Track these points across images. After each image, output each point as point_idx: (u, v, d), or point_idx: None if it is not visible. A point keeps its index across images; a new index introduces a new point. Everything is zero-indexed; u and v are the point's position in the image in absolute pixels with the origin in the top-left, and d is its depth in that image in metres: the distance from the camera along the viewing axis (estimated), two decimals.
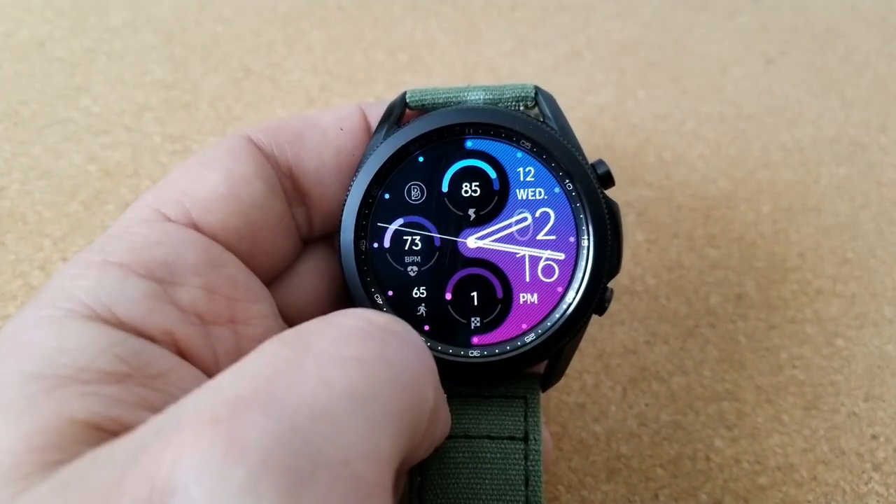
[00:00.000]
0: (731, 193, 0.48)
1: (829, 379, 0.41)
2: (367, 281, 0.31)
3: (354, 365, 0.20)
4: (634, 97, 0.52)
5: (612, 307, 0.43)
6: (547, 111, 0.32)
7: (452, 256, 0.31)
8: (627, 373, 0.41)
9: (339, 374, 0.19)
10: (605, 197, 0.31)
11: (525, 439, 0.30)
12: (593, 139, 0.50)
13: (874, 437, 0.39)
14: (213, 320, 0.27)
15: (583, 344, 0.41)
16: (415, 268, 0.31)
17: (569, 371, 0.41)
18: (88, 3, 0.55)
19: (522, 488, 0.29)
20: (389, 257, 0.32)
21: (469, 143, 0.32)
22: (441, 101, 0.32)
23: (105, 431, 0.21)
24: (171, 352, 0.25)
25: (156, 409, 0.22)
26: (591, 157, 0.32)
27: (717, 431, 0.39)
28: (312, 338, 0.21)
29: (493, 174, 0.32)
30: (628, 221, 0.46)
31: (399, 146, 0.31)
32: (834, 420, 0.39)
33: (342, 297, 0.32)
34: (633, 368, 0.41)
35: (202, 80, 0.51)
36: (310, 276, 0.33)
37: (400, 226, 0.32)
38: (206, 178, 0.29)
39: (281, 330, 0.30)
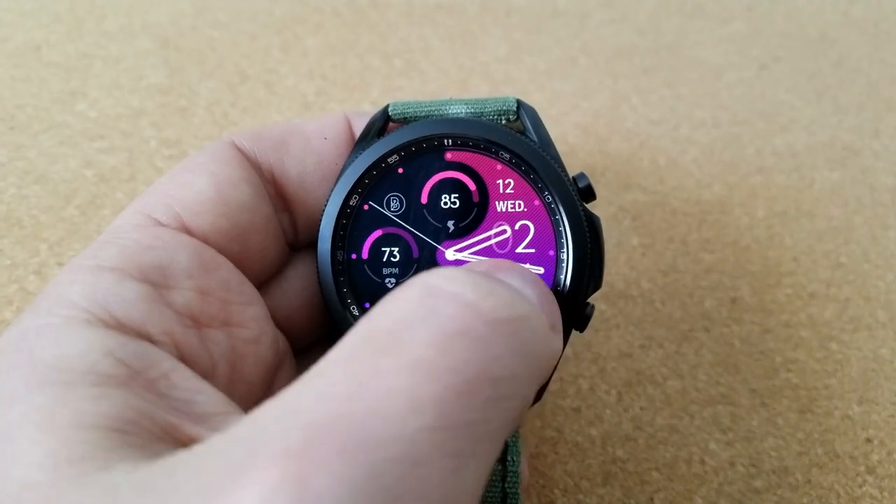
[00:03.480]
0: (725, 198, 0.48)
1: (824, 382, 0.41)
2: (343, 292, 0.31)
3: (450, 380, 0.18)
4: (629, 102, 0.52)
5: (608, 311, 0.43)
6: (528, 124, 0.31)
7: (431, 268, 0.31)
8: (623, 376, 0.41)
9: (432, 392, 0.17)
10: (586, 210, 0.31)
11: (502, 460, 0.30)
12: (587, 144, 0.50)
13: (868, 440, 0.39)
14: (208, 323, 0.27)
15: (578, 348, 0.42)
16: (393, 280, 0.31)
17: (564, 375, 0.41)
18: (84, 8, 0.55)
19: None
20: (367, 268, 0.31)
21: (449, 155, 0.31)
22: (423, 113, 0.32)
23: (121, 433, 0.20)
24: (170, 354, 0.25)
25: (161, 409, 0.22)
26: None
27: (711, 435, 0.39)
28: (406, 336, 0.19)
29: (472, 186, 0.31)
30: (623, 226, 0.46)
31: (378, 156, 0.31)
32: (828, 423, 0.39)
33: None
34: (628, 372, 0.41)
35: (198, 85, 0.51)
36: (298, 281, 0.33)
37: (378, 237, 0.31)
38: (193, 183, 0.29)
39: (274, 334, 0.30)
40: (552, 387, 0.40)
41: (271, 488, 0.16)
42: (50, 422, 0.20)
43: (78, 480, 0.18)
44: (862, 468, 0.38)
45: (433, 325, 0.19)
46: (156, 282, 0.26)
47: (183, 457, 0.18)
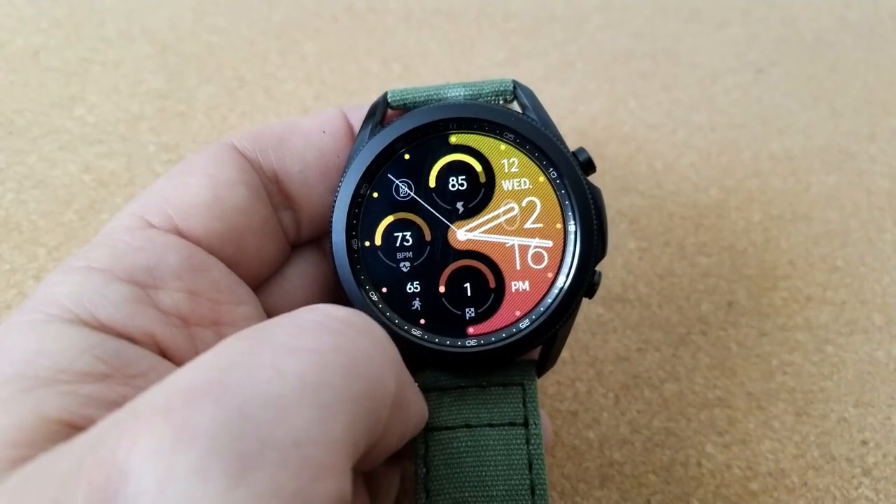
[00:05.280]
0: (721, 202, 0.48)
1: (820, 385, 0.41)
2: (360, 279, 0.31)
3: (308, 355, 0.21)
4: (626, 106, 0.53)
5: (605, 315, 0.43)
6: (527, 103, 0.33)
7: (444, 250, 0.32)
8: (620, 380, 0.41)
9: (292, 364, 0.20)
10: (588, 183, 0.32)
11: (525, 424, 0.31)
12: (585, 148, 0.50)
13: (864, 442, 0.39)
14: (197, 322, 0.27)
15: (575, 352, 0.42)
16: (407, 263, 0.32)
17: (561, 379, 0.41)
18: (83, 13, 0.56)
19: (526, 472, 0.30)
20: (381, 255, 0.32)
21: (453, 138, 0.32)
22: (422, 99, 0.33)
23: (80, 429, 0.21)
24: (152, 352, 0.25)
25: None
26: None
27: (708, 438, 0.39)
28: (271, 331, 0.22)
29: (478, 167, 0.32)
30: (620, 230, 0.46)
31: (385, 144, 0.32)
32: (824, 426, 0.40)
33: (332, 299, 0.33)
34: (625, 375, 0.41)
35: (197, 90, 0.52)
36: (299, 279, 0.33)
37: (390, 223, 0.32)
38: (188, 185, 0.29)
39: None
40: (549, 390, 0.40)
41: (156, 432, 0.18)
42: (10, 409, 0.21)
43: (13, 464, 0.20)
44: (858, 470, 0.38)
45: (294, 322, 0.23)
46: (144, 283, 0.26)
47: (84, 431, 0.20)
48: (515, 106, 0.34)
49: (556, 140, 0.32)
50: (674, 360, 0.42)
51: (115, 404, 0.23)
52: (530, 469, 0.30)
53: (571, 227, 0.31)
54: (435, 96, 0.33)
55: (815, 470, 0.38)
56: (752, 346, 0.42)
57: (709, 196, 0.48)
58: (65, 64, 0.52)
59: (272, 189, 0.32)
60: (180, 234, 0.28)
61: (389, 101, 0.33)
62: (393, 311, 0.32)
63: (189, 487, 0.17)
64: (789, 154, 0.51)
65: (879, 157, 0.51)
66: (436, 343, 0.31)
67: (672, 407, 0.40)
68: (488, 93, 0.33)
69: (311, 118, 0.33)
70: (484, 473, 0.30)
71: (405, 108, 0.33)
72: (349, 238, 0.32)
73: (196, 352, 0.27)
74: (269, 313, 0.31)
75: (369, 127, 0.32)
